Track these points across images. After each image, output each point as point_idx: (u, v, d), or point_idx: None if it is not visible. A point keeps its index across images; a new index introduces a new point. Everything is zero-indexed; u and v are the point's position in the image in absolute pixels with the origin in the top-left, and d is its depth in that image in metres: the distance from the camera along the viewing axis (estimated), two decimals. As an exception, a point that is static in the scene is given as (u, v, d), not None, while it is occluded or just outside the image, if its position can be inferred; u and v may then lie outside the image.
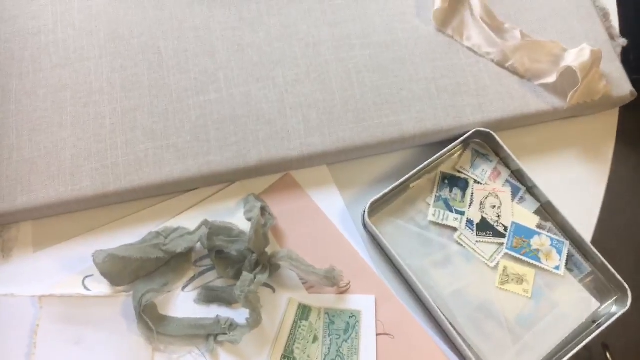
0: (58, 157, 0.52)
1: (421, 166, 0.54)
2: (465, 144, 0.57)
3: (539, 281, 0.52)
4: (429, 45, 0.58)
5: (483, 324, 0.51)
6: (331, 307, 0.51)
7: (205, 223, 0.51)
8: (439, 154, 0.54)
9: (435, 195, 0.55)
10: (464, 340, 0.49)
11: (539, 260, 0.53)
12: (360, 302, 0.51)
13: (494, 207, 0.54)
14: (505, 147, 0.54)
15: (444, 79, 0.56)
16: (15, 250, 0.52)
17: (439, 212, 0.54)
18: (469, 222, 0.54)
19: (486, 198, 0.55)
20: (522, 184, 0.56)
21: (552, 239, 0.53)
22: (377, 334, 0.50)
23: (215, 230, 0.50)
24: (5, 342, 0.48)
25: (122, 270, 0.49)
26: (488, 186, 0.55)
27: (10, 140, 0.52)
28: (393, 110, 0.55)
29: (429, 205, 0.55)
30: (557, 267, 0.53)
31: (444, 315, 0.49)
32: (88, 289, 0.50)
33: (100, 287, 0.50)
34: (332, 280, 0.50)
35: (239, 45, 0.56)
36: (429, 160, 0.54)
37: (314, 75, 0.56)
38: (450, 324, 0.49)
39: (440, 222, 0.54)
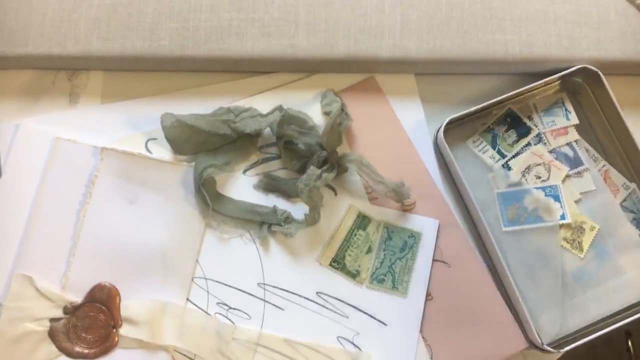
0: (140, 8, 0.49)
1: (509, 94, 0.49)
2: (566, 83, 0.51)
3: (607, 241, 0.48)
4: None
5: (537, 272, 0.48)
6: (392, 222, 0.49)
7: (279, 108, 0.48)
8: (532, 84, 0.50)
9: (489, 126, 0.50)
10: (516, 283, 0.46)
11: (541, 220, 0.48)
12: (423, 224, 0.48)
13: (539, 178, 0.50)
14: (610, 91, 0.49)
15: (565, 5, 0.50)
16: (83, 98, 0.50)
17: (481, 142, 0.50)
18: (506, 166, 0.50)
19: (537, 165, 0.50)
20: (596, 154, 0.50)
21: (544, 189, 0.49)
22: (434, 260, 0.48)
23: (288, 118, 0.48)
24: (62, 187, 0.47)
25: (187, 140, 0.47)
26: (545, 156, 0.50)
27: (93, -18, 0.49)
28: (501, 28, 0.50)
29: (476, 131, 0.51)
30: (562, 216, 0.48)
31: (499, 253, 0.46)
32: (150, 152, 0.49)
33: (162, 152, 0.49)
34: (399, 196, 0.47)
35: None
36: (520, 90, 0.49)
37: (423, -27, 0.50)
38: (505, 263, 0.46)
39: (475, 150, 0.50)
